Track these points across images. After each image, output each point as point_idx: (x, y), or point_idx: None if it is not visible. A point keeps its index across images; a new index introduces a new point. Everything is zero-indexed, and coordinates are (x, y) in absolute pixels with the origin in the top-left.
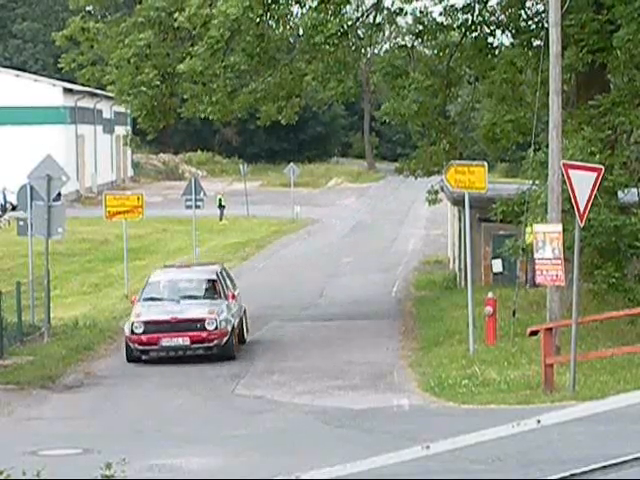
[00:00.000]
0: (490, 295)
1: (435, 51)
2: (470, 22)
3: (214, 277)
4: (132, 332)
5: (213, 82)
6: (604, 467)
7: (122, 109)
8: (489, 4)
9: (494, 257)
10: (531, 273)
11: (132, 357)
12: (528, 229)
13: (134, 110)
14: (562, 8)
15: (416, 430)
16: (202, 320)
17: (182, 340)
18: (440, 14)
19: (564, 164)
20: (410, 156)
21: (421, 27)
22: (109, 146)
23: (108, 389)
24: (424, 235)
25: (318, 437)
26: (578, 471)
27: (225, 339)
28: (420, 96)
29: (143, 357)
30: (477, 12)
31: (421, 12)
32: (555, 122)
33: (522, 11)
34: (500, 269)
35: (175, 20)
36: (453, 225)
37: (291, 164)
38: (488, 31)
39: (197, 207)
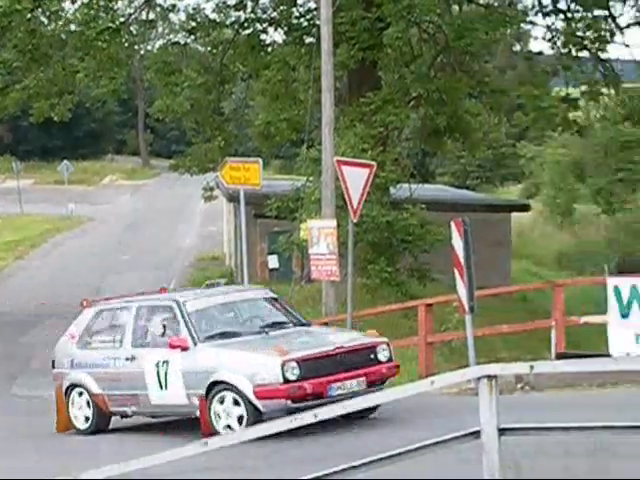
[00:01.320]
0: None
1: (208, 48)
2: (243, 19)
3: (274, 295)
4: (285, 380)
5: None
6: (354, 467)
7: None
8: (261, 1)
9: (270, 253)
10: (307, 268)
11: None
12: (303, 225)
13: None
14: (333, 6)
15: (191, 427)
16: (374, 347)
17: (357, 383)
18: (213, 11)
19: (337, 161)
20: (185, 153)
21: (194, 24)
22: None
23: None
24: (200, 232)
25: (99, 436)
26: (330, 471)
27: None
28: (194, 93)
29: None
30: (249, 9)
31: (194, 9)
32: (327, 119)
33: (294, 8)
34: (276, 265)
35: None
36: (229, 221)
37: (65, 161)
38: (261, 28)
39: None
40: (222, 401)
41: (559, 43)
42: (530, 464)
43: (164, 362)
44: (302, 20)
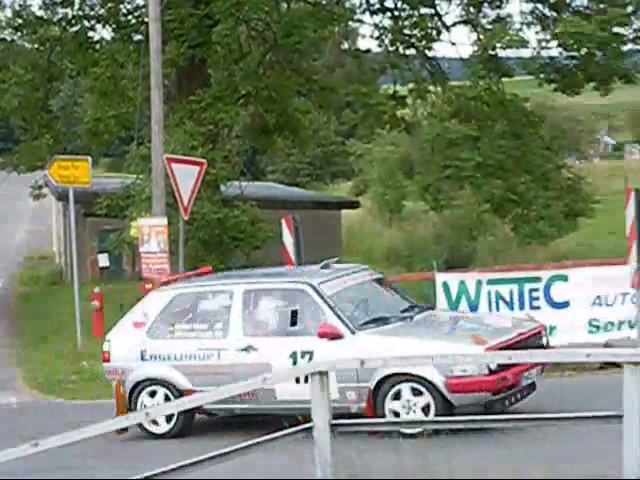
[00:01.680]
0: (97, 290)
1: (35, 45)
2: (70, 16)
3: (382, 275)
4: (490, 371)
5: None
6: (182, 466)
7: None
8: None
9: (100, 251)
10: (138, 266)
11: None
12: (133, 223)
13: None
14: (161, 3)
15: (25, 428)
16: (540, 333)
17: (536, 371)
18: (40, 8)
19: (167, 158)
20: (13, 151)
21: (20, 21)
22: None
23: None
24: (29, 230)
25: None
26: (158, 470)
27: None
28: (21, 90)
29: (495, 407)
30: (77, 6)
31: (20, 6)
32: (157, 116)
33: (122, 5)
34: (107, 263)
35: None
36: (58, 220)
37: None
38: (88, 25)
39: None
40: (398, 396)
41: (387, 41)
42: (363, 462)
43: (305, 353)
44: (130, 17)
